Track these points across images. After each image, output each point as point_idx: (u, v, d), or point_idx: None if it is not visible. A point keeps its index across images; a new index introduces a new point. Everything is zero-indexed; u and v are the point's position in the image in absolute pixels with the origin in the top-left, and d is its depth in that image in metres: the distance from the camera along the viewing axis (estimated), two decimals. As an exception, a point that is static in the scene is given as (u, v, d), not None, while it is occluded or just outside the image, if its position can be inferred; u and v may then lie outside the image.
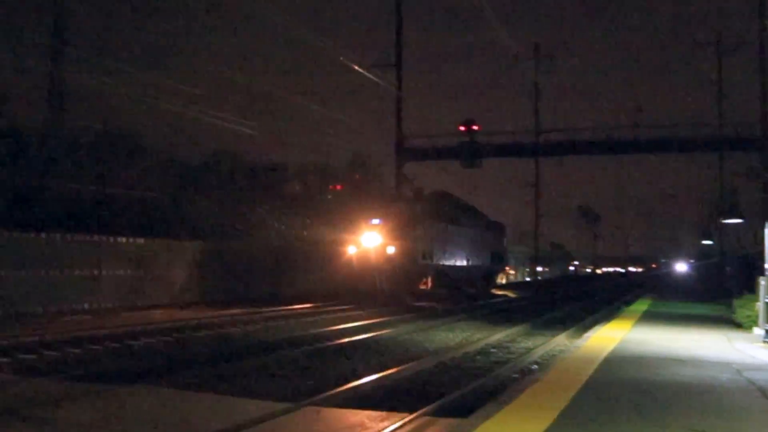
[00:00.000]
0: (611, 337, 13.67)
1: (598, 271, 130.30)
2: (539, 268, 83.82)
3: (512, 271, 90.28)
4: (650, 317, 19.28)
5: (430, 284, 32.70)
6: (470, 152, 42.50)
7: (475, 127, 42.71)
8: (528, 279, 78.39)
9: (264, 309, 21.73)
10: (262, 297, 27.22)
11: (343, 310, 22.90)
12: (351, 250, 28.55)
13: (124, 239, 23.34)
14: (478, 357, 13.82)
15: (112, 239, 22.86)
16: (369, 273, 27.74)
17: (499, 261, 43.17)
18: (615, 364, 10.10)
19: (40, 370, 10.57)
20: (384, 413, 7.62)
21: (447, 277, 33.63)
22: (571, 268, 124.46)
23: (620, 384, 8.51)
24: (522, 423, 6.41)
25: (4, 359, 11.34)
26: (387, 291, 27.58)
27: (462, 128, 42.59)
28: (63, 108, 27.02)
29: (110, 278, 22.46)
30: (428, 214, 32.10)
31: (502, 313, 24.60)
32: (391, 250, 27.90)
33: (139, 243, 23.88)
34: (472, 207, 42.31)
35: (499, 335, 16.96)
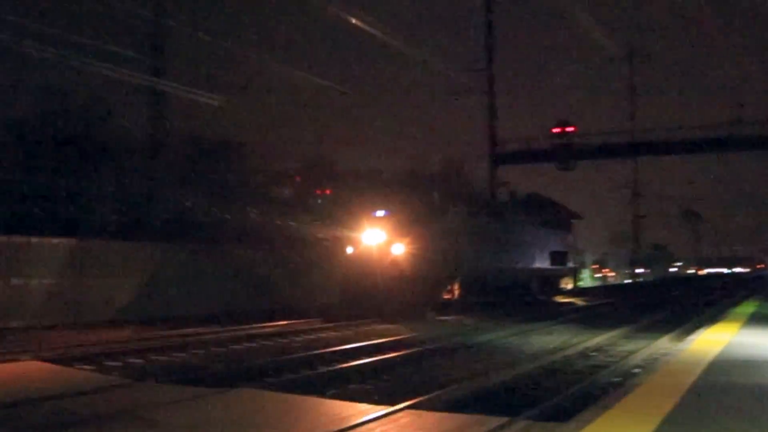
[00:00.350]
0: (717, 340, 13.13)
1: (701, 272, 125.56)
2: (641, 270, 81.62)
3: (612, 273, 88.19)
4: (758, 319, 18.42)
5: (457, 293, 25.14)
6: (565, 154, 41.92)
7: (569, 129, 42.09)
8: (628, 281, 76.40)
9: (227, 328, 17.58)
10: (236, 311, 22.43)
11: (329, 330, 18.30)
12: (348, 251, 22.28)
13: (35, 239, 19.07)
14: (579, 360, 13.55)
15: (18, 239, 18.71)
16: (370, 280, 21.28)
17: (561, 262, 35.26)
18: (721, 367, 9.69)
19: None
20: (484, 417, 7.54)
21: (484, 282, 26.56)
22: (673, 269, 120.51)
23: (727, 388, 8.16)
24: (624, 427, 6.22)
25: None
26: (395, 302, 21.16)
27: (556, 130, 42.05)
28: (164, 119, 28.04)
29: (14, 288, 18.23)
30: (452, 205, 24.97)
31: (601, 318, 24.06)
32: (398, 249, 21.48)
33: (58, 244, 19.47)
34: (539, 198, 36.41)
35: (599, 338, 16.59)
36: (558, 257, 34.58)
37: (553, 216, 35.90)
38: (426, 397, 8.83)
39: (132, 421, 7.03)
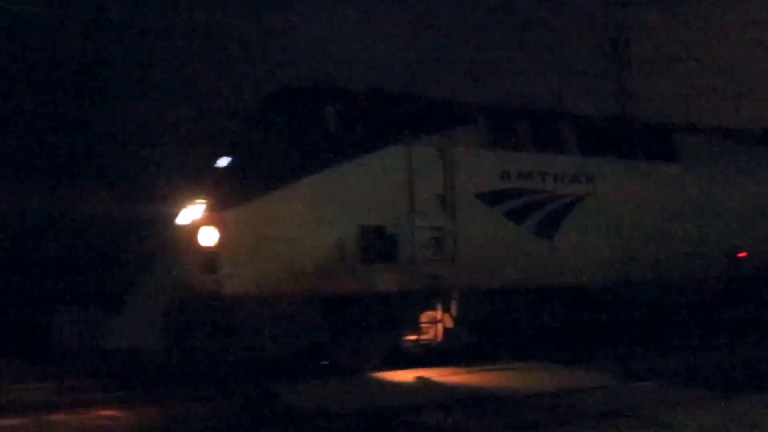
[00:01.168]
0: None
1: None
2: None
3: None
4: None
5: (441, 330, 10.17)
6: None
7: None
8: None
9: None
10: None
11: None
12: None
13: None
14: None
15: None
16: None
17: None
18: None
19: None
20: None
21: (562, 302, 11.40)
22: None
23: None
24: None
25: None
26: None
27: None
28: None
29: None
30: (411, 129, 10.24)
31: None
32: (212, 236, 8.83)
33: None
34: None
35: None
36: None
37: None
38: None
39: (638, 420, 6.47)
